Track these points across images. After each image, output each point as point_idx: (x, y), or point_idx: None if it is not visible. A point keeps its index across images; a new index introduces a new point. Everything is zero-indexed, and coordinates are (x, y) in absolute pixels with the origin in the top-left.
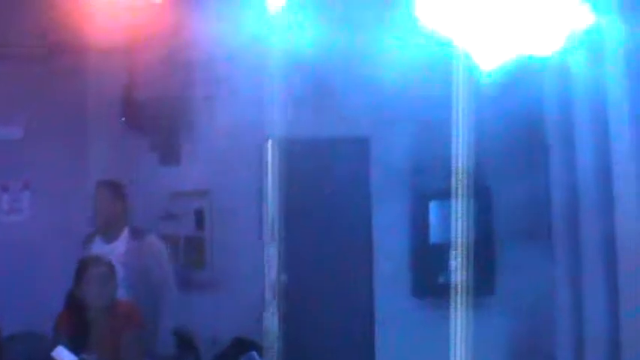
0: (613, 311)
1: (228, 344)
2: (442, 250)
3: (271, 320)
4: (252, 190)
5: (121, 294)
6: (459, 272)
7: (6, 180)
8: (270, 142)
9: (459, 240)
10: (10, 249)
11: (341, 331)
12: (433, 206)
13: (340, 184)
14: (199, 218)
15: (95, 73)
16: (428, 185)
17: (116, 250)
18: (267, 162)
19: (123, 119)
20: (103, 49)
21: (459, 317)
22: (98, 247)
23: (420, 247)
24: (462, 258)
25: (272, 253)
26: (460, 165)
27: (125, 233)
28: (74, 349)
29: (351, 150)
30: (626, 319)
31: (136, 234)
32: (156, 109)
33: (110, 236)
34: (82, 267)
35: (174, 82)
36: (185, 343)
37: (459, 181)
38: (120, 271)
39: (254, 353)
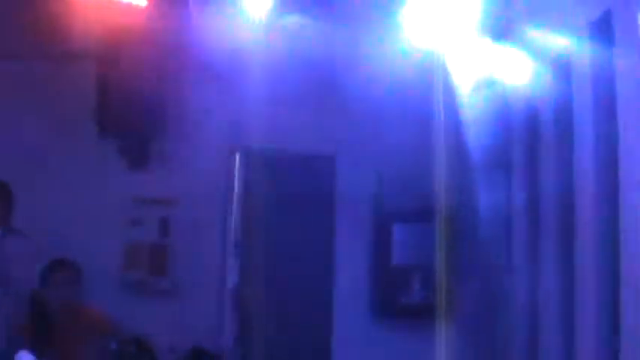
0: (569, 325)
1: (185, 353)
2: (403, 272)
3: (229, 332)
4: (217, 201)
5: None
6: (421, 293)
7: None
8: (238, 154)
9: (423, 262)
10: None
11: (299, 347)
12: (396, 227)
13: (305, 200)
14: (164, 226)
15: (68, 76)
16: (391, 206)
17: None
18: (234, 173)
19: (97, 129)
20: (78, 52)
21: (423, 337)
22: None
23: (381, 267)
24: (426, 280)
25: (233, 264)
26: (431, 187)
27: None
28: (36, 351)
29: (317, 167)
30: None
31: (6, 233)
32: (126, 114)
33: None
34: (48, 270)
35: (147, 85)
36: (142, 349)
37: (425, 204)
38: None
39: None
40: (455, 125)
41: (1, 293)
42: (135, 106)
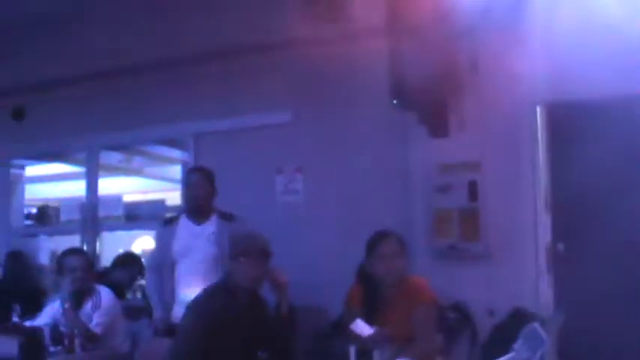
0: None
1: (506, 315)
2: None
3: (547, 290)
4: (523, 159)
5: (215, 269)
6: None
7: (280, 163)
8: (539, 108)
9: None
10: (287, 227)
11: (620, 303)
12: None
13: (616, 147)
14: (472, 190)
15: (360, 55)
16: None
17: (206, 230)
18: (537, 128)
19: (394, 101)
20: (366, 30)
21: None
22: (185, 228)
23: None
24: None
25: (546, 222)
26: None
27: (215, 216)
28: (366, 322)
29: (627, 109)
30: None
31: (224, 217)
32: (422, 83)
33: (200, 218)
34: (372, 243)
35: (439, 55)
36: (462, 315)
37: None
38: (213, 249)
39: (536, 325)
40: None
41: None
42: (428, 75)
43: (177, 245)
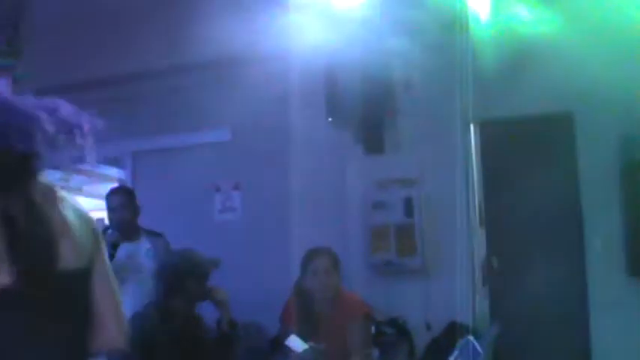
0: None
1: (442, 329)
2: None
3: (482, 304)
4: (458, 175)
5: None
6: None
7: (218, 181)
8: (473, 126)
9: None
10: (226, 245)
11: (554, 313)
12: None
13: (546, 162)
14: (408, 206)
15: (297, 74)
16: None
17: (141, 247)
18: (471, 145)
19: (329, 119)
20: (304, 49)
21: None
22: (125, 248)
23: (633, 223)
24: None
25: (480, 237)
26: None
27: (143, 234)
28: (302, 337)
29: (555, 126)
30: None
31: (152, 234)
32: (357, 102)
33: (132, 236)
34: (307, 259)
35: (373, 73)
36: (399, 329)
37: None
38: (149, 265)
39: (471, 338)
40: None
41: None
42: (363, 94)
43: (115, 264)
